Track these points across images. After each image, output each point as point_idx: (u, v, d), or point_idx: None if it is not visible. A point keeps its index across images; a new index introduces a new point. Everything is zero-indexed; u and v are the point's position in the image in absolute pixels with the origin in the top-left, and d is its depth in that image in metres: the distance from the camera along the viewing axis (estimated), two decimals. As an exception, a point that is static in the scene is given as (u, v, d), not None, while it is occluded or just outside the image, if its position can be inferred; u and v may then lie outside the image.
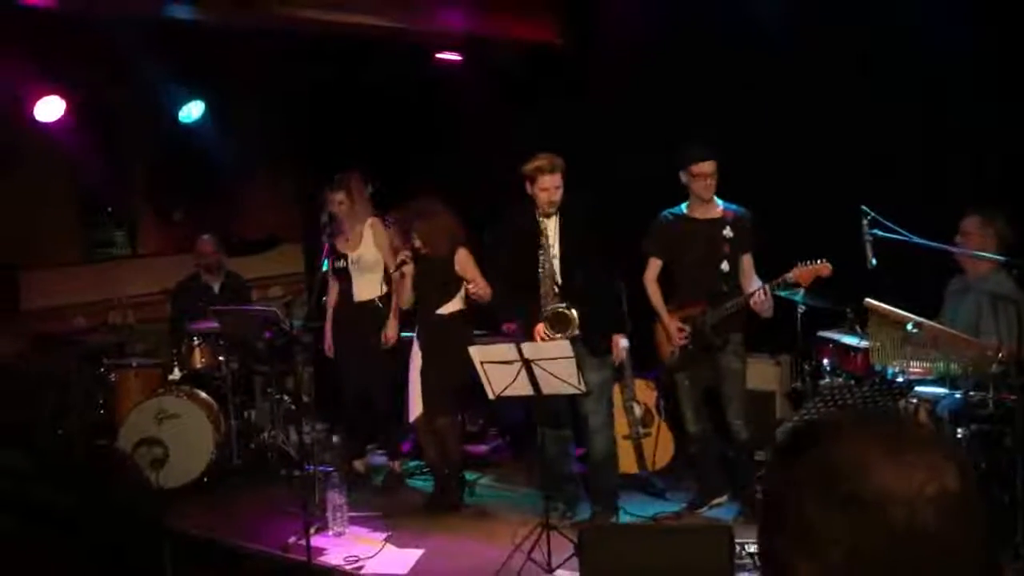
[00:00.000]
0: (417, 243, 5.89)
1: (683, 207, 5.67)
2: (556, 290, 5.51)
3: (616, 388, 6.18)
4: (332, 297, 6.66)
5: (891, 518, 0.86)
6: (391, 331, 6.39)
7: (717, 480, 5.84)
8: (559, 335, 5.35)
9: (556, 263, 5.53)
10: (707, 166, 5.47)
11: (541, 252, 5.52)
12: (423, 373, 5.96)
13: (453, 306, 5.98)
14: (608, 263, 5.62)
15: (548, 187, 5.42)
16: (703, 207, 5.59)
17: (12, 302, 7.31)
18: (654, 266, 5.72)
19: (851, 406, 4.55)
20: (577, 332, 5.40)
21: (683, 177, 5.55)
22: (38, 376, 6.88)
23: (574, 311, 5.41)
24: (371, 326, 6.41)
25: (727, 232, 5.52)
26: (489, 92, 7.56)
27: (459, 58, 7.53)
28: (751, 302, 5.37)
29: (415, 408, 5.99)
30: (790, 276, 5.27)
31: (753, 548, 4.74)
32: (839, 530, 0.88)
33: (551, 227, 5.53)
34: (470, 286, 5.91)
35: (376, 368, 6.41)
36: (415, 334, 6.09)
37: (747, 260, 5.58)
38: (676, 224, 5.67)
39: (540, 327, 5.45)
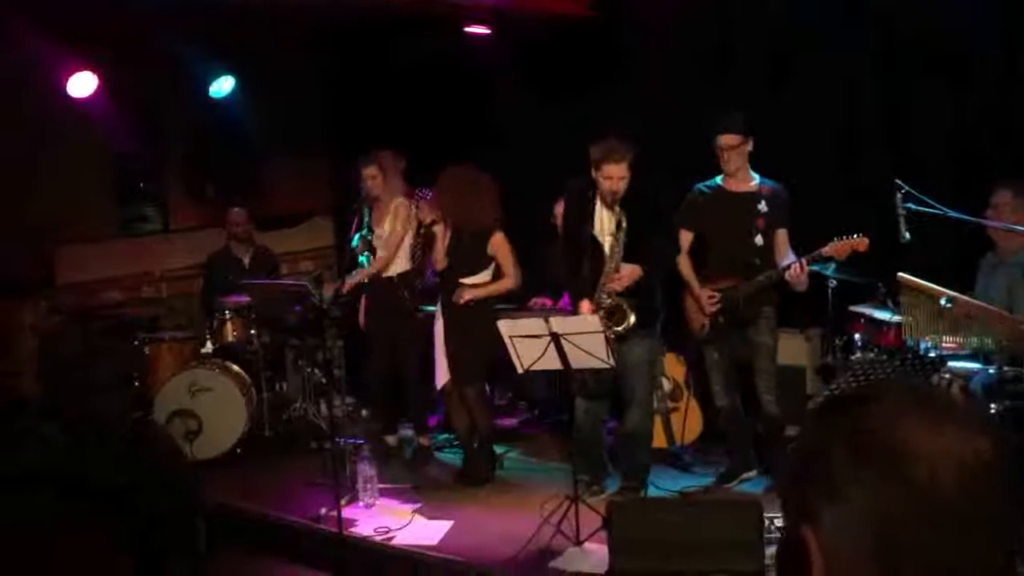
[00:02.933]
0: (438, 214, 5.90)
1: (718, 179, 5.61)
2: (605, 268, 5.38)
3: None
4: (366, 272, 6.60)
5: (914, 475, 0.88)
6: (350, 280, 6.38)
7: (746, 455, 5.82)
8: (608, 324, 5.29)
9: (605, 247, 5.39)
10: (728, 139, 5.40)
11: (596, 234, 5.43)
12: (447, 343, 5.98)
13: (479, 279, 5.99)
14: (661, 248, 5.49)
15: (612, 176, 5.21)
16: (737, 180, 5.53)
17: (47, 278, 7.41)
18: (685, 238, 5.68)
19: (886, 379, 4.52)
20: (622, 330, 5.30)
21: (716, 148, 5.50)
22: (74, 349, 6.98)
23: (632, 317, 5.30)
24: (393, 302, 6.42)
25: (762, 206, 5.46)
26: (521, 66, 7.53)
27: (488, 31, 7.48)
28: (787, 275, 5.31)
29: (441, 376, 6.03)
30: (826, 250, 5.21)
31: (782, 522, 4.73)
32: (864, 479, 0.90)
33: (606, 214, 5.38)
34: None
35: (399, 342, 6.42)
36: (439, 302, 6.10)
37: (781, 235, 5.51)
38: (710, 197, 5.62)
39: (586, 304, 5.38)
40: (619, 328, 5.29)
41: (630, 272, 5.32)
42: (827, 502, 0.92)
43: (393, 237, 6.42)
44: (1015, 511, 0.92)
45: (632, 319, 5.30)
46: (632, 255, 5.33)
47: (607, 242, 5.40)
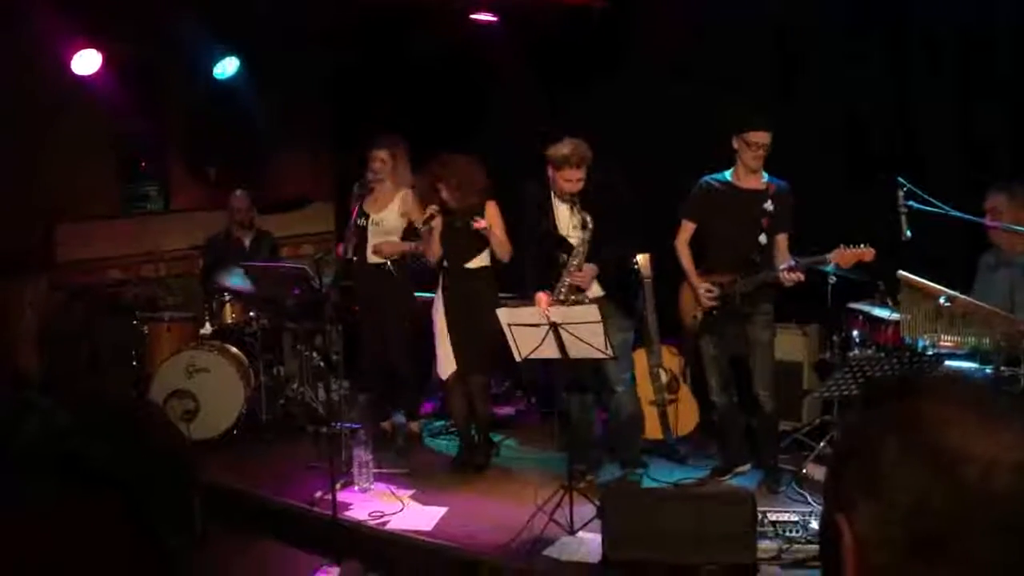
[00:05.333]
0: (444, 194, 5.88)
1: (727, 174, 5.59)
2: (567, 265, 5.48)
3: (642, 353, 6.20)
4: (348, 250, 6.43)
5: (965, 476, 0.87)
6: (387, 247, 6.34)
7: (741, 449, 5.84)
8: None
9: (573, 242, 5.50)
10: (763, 136, 5.35)
11: (556, 230, 5.52)
12: (453, 330, 5.97)
13: (481, 261, 5.99)
14: (622, 233, 5.54)
15: (571, 179, 5.36)
16: (748, 176, 5.51)
17: (48, 255, 7.41)
18: (687, 230, 5.68)
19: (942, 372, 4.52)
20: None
21: (735, 142, 5.44)
22: (74, 327, 7.00)
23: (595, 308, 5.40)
24: (384, 289, 6.39)
25: (768, 205, 5.45)
26: (528, 56, 7.51)
27: (494, 19, 7.47)
28: (781, 276, 5.29)
29: (446, 366, 6.01)
30: (831, 256, 5.13)
31: (775, 516, 4.75)
32: (911, 477, 0.89)
33: (566, 210, 5.50)
34: (485, 229, 5.83)
35: (390, 330, 6.41)
36: (440, 289, 6.09)
37: (782, 240, 5.49)
38: (718, 191, 5.60)
39: (543, 296, 5.44)
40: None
41: (591, 271, 5.45)
42: (867, 494, 0.91)
43: (403, 227, 6.41)
44: None
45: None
46: (593, 255, 5.45)
47: (572, 238, 5.50)
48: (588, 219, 5.40)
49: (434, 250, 6.04)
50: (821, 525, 0.97)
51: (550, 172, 5.44)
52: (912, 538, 0.88)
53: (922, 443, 0.90)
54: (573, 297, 5.46)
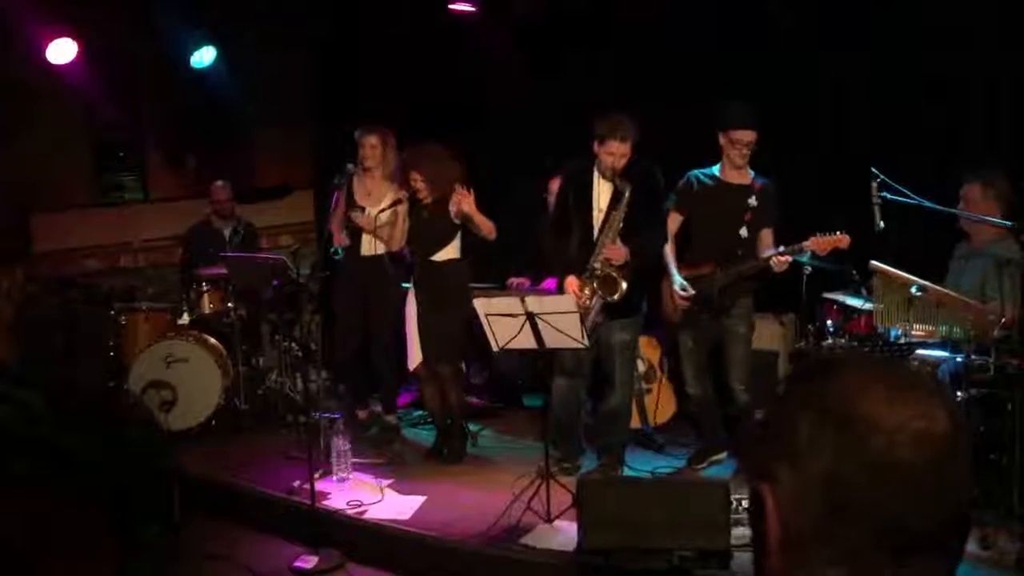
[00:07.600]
0: (418, 186, 5.87)
1: (715, 169, 5.64)
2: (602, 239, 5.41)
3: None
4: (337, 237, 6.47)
5: (871, 445, 0.94)
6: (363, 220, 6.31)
7: (717, 438, 5.89)
8: (598, 295, 5.35)
9: (601, 223, 5.44)
10: (747, 134, 5.42)
11: (594, 210, 5.46)
12: (421, 321, 5.99)
13: (449, 253, 5.98)
14: (656, 231, 5.54)
15: (615, 152, 5.29)
16: (734, 172, 5.57)
17: (24, 245, 7.37)
18: (673, 221, 5.72)
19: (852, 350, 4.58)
20: (616, 298, 5.35)
21: (721, 139, 5.51)
22: (50, 317, 6.96)
23: (624, 283, 5.33)
24: (376, 281, 6.40)
25: (752, 200, 5.52)
26: (509, 43, 7.49)
27: (473, 9, 7.46)
28: (772, 262, 5.35)
29: (414, 357, 6.04)
30: (807, 244, 5.24)
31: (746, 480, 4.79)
32: (823, 447, 0.96)
33: (607, 188, 5.44)
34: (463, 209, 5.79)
35: (376, 322, 6.42)
36: (412, 282, 6.11)
37: (767, 234, 5.55)
38: (706, 185, 5.65)
39: (572, 280, 5.42)
40: (614, 296, 5.34)
41: (625, 249, 5.37)
42: (786, 464, 0.98)
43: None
44: (967, 477, 0.98)
45: (624, 285, 5.33)
46: (626, 232, 5.37)
47: (603, 215, 5.43)
48: (626, 192, 5.30)
49: (396, 237, 6.04)
50: (749, 496, 1.04)
51: (595, 147, 5.37)
52: (828, 504, 0.96)
53: (832, 416, 0.97)
54: (606, 272, 5.35)
